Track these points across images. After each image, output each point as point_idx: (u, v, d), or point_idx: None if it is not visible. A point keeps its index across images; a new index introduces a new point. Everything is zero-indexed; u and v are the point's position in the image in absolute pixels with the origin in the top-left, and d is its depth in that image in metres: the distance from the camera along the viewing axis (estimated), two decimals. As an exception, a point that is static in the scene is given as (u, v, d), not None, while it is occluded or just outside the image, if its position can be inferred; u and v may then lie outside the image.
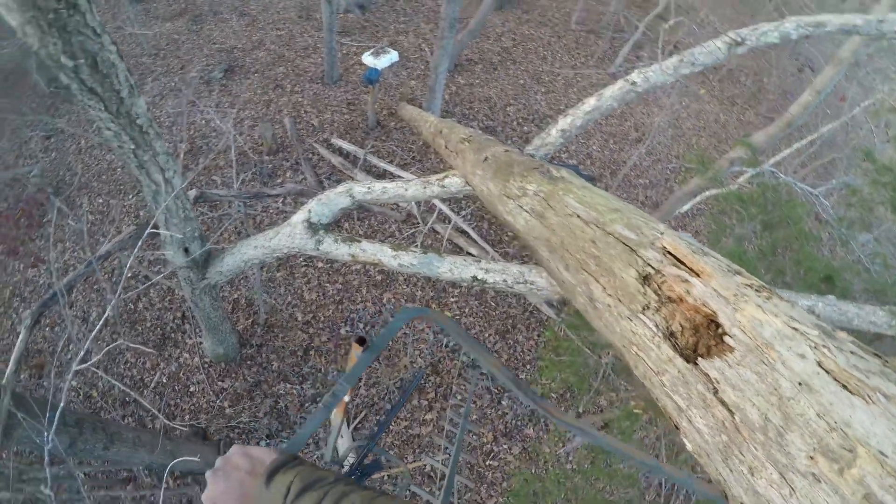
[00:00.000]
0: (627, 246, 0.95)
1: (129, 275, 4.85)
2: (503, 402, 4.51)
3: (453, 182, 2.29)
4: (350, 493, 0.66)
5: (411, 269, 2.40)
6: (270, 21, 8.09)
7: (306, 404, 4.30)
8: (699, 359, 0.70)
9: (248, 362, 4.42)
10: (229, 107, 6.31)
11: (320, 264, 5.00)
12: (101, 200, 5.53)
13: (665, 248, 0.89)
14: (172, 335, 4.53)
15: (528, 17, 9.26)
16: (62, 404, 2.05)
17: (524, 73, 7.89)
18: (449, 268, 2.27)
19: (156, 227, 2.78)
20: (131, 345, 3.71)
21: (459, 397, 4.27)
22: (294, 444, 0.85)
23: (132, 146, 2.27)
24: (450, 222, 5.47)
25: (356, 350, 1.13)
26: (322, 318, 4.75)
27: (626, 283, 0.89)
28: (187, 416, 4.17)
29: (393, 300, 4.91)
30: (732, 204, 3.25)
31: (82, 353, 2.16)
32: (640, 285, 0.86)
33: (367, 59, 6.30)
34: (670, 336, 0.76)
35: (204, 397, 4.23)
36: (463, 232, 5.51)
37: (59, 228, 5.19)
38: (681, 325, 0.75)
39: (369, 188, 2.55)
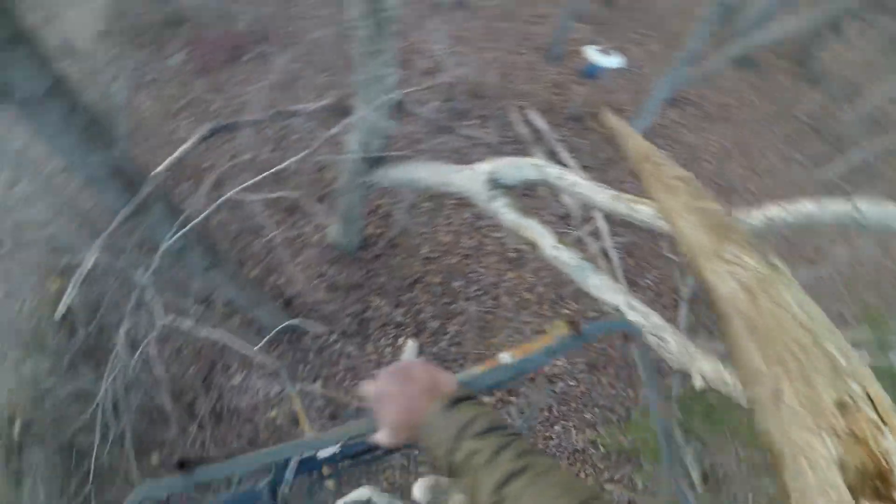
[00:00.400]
0: (836, 368, 0.99)
1: (296, 137, 5.09)
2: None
3: (644, 210, 2.11)
4: (534, 453, 0.63)
5: (563, 266, 2.28)
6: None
7: (388, 326, 4.30)
8: (862, 499, 0.71)
9: (359, 264, 4.47)
10: (448, 36, 6.39)
11: (467, 214, 4.93)
12: (297, 66, 5.80)
13: (867, 390, 0.92)
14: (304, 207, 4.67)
15: (759, 85, 8.46)
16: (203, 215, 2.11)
17: (733, 138, 7.24)
18: (598, 284, 2.16)
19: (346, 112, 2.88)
20: (271, 195, 3.87)
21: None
22: (473, 384, 0.82)
23: (369, 31, 2.25)
24: (598, 240, 5.22)
25: (559, 330, 1.01)
26: (443, 263, 4.69)
27: (820, 399, 0.93)
28: (281, 280, 4.33)
29: (515, 280, 4.74)
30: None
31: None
32: (835, 409, 0.89)
33: (592, 53, 6.14)
34: (841, 466, 0.79)
35: (304, 273, 4.35)
36: (606, 256, 5.16)
37: (252, 71, 5.53)
38: (855, 464, 0.77)
39: (562, 174, 2.42)
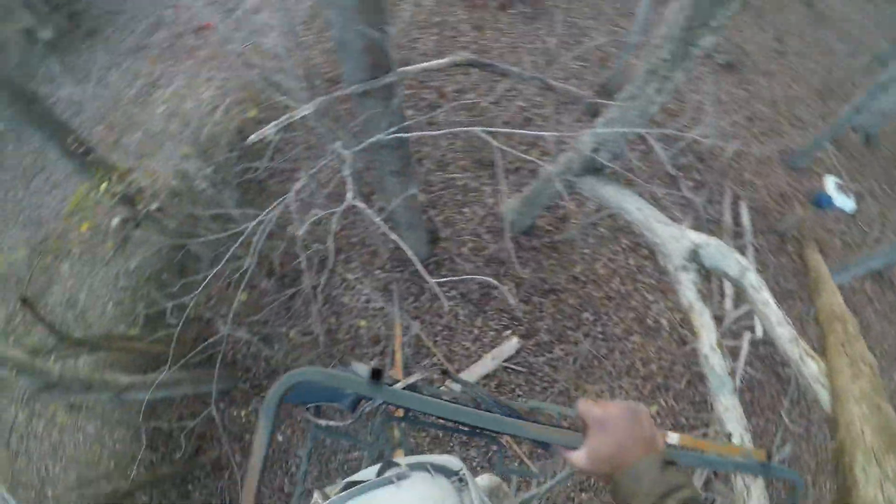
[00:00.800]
0: None
1: (533, 107, 4.95)
2: None
3: (812, 368, 2.09)
4: None
5: (708, 367, 2.29)
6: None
7: (505, 314, 4.13)
8: None
9: (514, 246, 4.33)
10: (707, 92, 5.98)
11: (632, 261, 4.61)
12: (556, 40, 5.65)
13: None
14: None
15: None
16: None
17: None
18: (729, 406, 2.19)
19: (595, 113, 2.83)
20: (495, 143, 3.79)
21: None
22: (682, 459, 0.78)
23: (669, 56, 2.16)
24: (733, 360, 4.74)
25: (755, 454, 0.93)
26: (586, 290, 4.44)
27: None
28: (440, 218, 4.29)
29: (637, 346, 4.36)
30: None
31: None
32: None
33: (831, 184, 5.61)
34: None
35: (462, 223, 4.28)
36: (731, 376, 4.64)
37: (514, 26, 5.44)
38: None
39: (759, 287, 2.35)
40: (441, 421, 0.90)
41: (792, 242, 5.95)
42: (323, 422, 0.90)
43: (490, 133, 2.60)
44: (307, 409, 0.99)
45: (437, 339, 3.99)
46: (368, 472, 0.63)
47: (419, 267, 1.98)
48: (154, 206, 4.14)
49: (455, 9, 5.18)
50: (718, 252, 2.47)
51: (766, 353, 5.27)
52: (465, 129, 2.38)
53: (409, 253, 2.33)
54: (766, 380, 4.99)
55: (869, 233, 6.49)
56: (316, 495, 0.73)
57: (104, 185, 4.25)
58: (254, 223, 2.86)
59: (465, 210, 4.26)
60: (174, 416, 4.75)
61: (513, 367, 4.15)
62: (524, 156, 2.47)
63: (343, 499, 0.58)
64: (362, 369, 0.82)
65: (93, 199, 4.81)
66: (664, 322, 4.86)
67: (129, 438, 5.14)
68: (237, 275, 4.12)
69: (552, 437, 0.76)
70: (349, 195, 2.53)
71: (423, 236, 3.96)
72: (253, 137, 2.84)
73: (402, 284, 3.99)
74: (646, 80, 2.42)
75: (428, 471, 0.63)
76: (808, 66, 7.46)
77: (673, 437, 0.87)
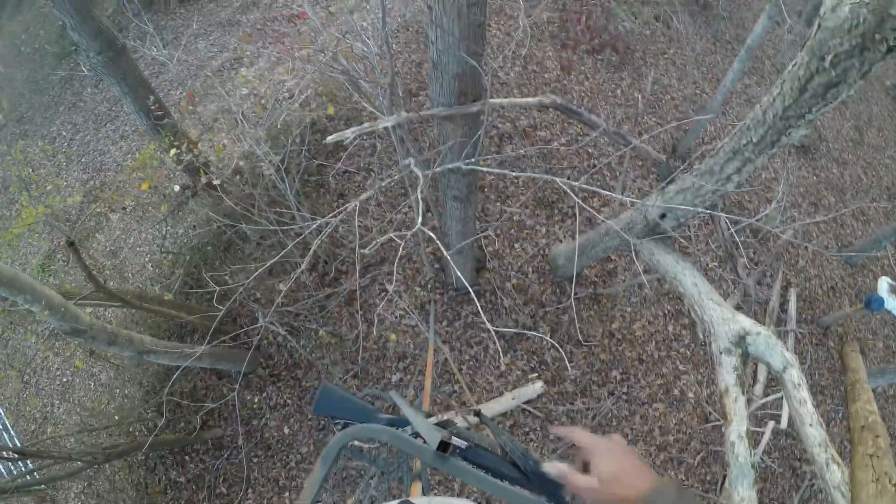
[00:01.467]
0: None
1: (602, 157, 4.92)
2: None
3: (836, 475, 2.06)
4: None
5: (731, 455, 2.28)
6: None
7: (535, 356, 4.07)
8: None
9: (556, 291, 4.27)
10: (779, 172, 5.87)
11: (671, 328, 4.50)
12: (657, 86, 5.55)
13: None
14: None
15: None
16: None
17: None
18: (746, 498, 2.19)
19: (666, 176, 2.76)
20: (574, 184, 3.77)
21: None
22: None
23: (760, 136, 2.11)
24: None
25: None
26: (619, 349, 4.34)
27: None
28: (489, 249, 4.26)
29: (658, 414, 4.24)
30: None
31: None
32: None
33: (884, 285, 5.39)
34: None
35: (509, 258, 4.26)
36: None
37: (598, 71, 5.42)
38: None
39: (800, 385, 2.33)
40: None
41: (834, 337, 5.78)
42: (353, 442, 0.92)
43: (569, 187, 2.58)
44: (335, 423, 1.00)
45: (463, 367, 3.94)
46: None
47: (481, 314, 1.94)
48: (216, 181, 4.22)
49: (545, 45, 5.21)
50: (766, 343, 2.44)
51: (786, 446, 5.08)
52: (546, 176, 2.35)
53: (461, 278, 2.30)
54: (781, 472, 4.86)
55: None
56: None
57: (174, 151, 4.35)
58: (314, 226, 2.87)
59: (516, 246, 4.24)
60: (188, 387, 4.79)
61: (531, 409, 4.06)
62: (597, 214, 2.42)
63: None
64: (409, 411, 0.85)
65: (158, 161, 4.95)
66: (691, 395, 4.72)
67: (139, 397, 5.20)
68: (280, 264, 4.16)
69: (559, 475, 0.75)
70: (418, 220, 2.53)
71: (471, 264, 3.94)
72: (330, 139, 2.86)
73: (439, 307, 3.97)
74: (728, 158, 2.38)
75: None
76: (882, 160, 7.26)
77: None
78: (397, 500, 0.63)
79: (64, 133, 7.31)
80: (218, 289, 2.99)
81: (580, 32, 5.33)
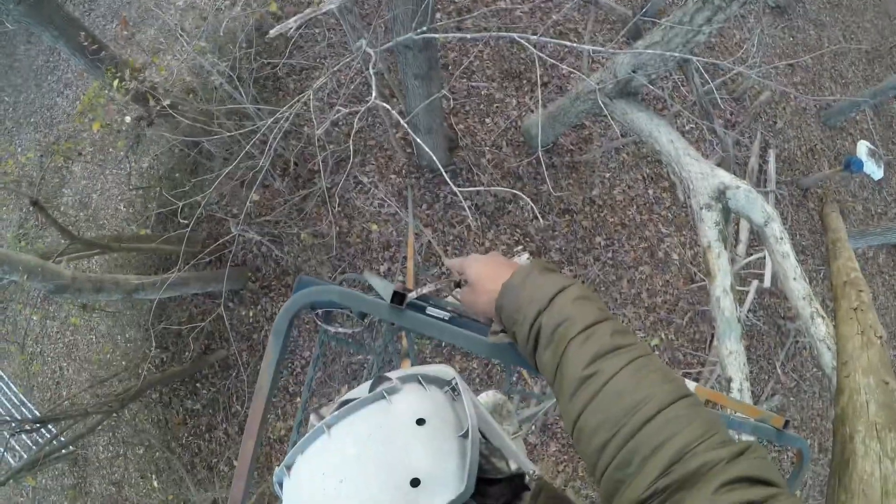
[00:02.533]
0: None
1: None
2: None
3: (821, 328, 2.10)
4: (631, 334, 0.58)
5: (716, 310, 2.30)
6: None
7: (517, 228, 4.09)
8: None
9: (533, 162, 4.21)
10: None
11: (652, 191, 4.52)
12: None
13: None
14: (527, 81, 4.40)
15: None
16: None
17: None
18: (733, 351, 2.23)
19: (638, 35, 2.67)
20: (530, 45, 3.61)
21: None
22: None
23: None
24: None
25: (773, 419, 1.04)
26: (601, 215, 4.37)
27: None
28: (460, 126, 4.18)
29: (645, 276, 4.34)
30: None
31: None
32: None
33: (863, 148, 5.43)
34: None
35: (482, 134, 4.18)
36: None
37: None
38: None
39: (782, 238, 2.31)
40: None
41: (814, 199, 5.83)
42: (332, 328, 0.90)
43: (526, 40, 2.46)
44: (316, 314, 0.98)
45: (448, 248, 3.96)
46: (362, 390, 0.61)
47: (445, 175, 1.89)
48: (167, 103, 4.04)
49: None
50: (746, 197, 2.44)
51: (771, 304, 5.26)
52: (503, 34, 2.24)
53: (433, 158, 2.25)
54: (767, 330, 5.02)
55: (893, 204, 6.33)
56: (312, 418, 0.72)
57: (116, 83, 4.14)
58: (270, 121, 2.77)
59: (487, 120, 4.14)
60: (184, 316, 4.83)
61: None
62: (562, 65, 2.34)
63: (336, 418, 0.55)
64: (378, 282, 0.82)
65: (105, 98, 4.71)
66: (675, 257, 4.81)
67: (141, 338, 5.26)
68: (251, 174, 4.07)
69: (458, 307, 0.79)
70: (373, 94, 2.42)
71: (443, 143, 3.87)
72: (273, 32, 2.69)
73: (416, 191, 3.93)
74: (698, 7, 2.30)
75: (419, 382, 0.61)
76: (861, 24, 7.04)
77: (690, 385, 0.83)
78: (372, 379, 0.61)
79: (6, 98, 6.94)
80: (181, 204, 2.92)
81: None
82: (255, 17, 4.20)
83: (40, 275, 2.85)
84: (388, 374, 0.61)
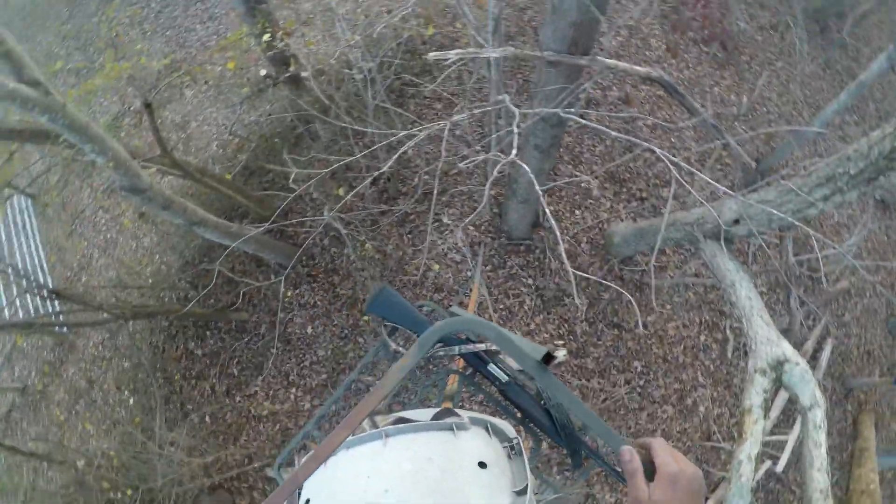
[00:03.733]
0: None
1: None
2: None
3: None
4: None
5: (734, 476, 2.30)
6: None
7: (566, 323, 4.06)
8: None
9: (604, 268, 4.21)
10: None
11: (704, 338, 4.42)
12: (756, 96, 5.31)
13: None
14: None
15: None
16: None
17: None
18: None
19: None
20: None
21: None
22: None
23: None
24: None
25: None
26: (648, 343, 4.29)
27: None
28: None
29: (666, 417, 4.21)
30: None
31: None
32: None
33: None
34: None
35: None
36: None
37: (707, 68, 5.19)
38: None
39: (818, 429, 2.32)
40: (499, 396, 0.89)
41: (854, 402, 5.64)
42: (394, 346, 0.92)
43: (666, 157, 2.51)
44: (384, 325, 1.00)
45: (496, 315, 3.97)
46: (421, 414, 0.62)
47: (524, 245, 1.91)
48: (305, 74, 4.23)
49: (654, 23, 5.00)
50: (802, 376, 2.43)
51: (774, 490, 5.04)
52: (648, 145, 2.30)
53: (519, 227, 2.27)
54: (781, 488, 4.87)
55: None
56: (366, 423, 0.73)
57: (267, 36, 4.37)
58: (405, 132, 2.86)
59: (577, 212, 4.18)
60: (226, 267, 4.93)
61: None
62: (695, 193, 2.36)
63: (397, 431, 0.57)
64: (472, 319, 0.81)
65: (247, 45, 4.98)
66: (702, 409, 4.68)
67: (177, 267, 5.40)
68: (344, 169, 4.19)
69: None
70: (514, 151, 2.50)
71: (529, 217, 3.92)
72: (434, 55, 2.82)
73: (487, 250, 3.98)
74: (819, 182, 2.34)
75: (487, 430, 0.62)
76: None
77: None
78: (438, 409, 0.64)
79: (153, 5, 7.40)
80: (295, 171, 3.03)
81: (693, 18, 5.09)
82: (409, 32, 4.40)
83: (124, 169, 2.89)
84: (458, 412, 0.63)
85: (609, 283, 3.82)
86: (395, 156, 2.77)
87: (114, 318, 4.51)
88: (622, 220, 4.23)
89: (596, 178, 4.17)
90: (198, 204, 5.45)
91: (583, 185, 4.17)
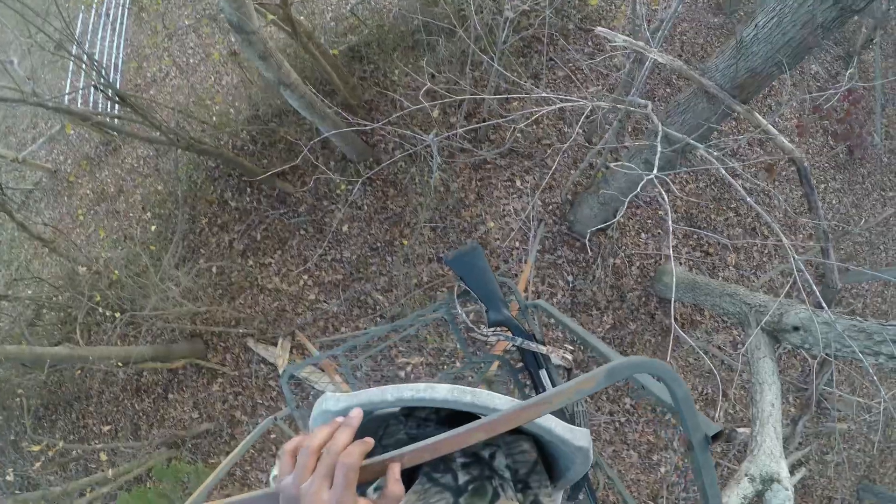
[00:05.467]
0: None
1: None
2: None
3: None
4: None
5: None
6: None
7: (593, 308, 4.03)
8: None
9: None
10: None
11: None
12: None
13: None
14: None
15: None
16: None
17: None
18: None
19: None
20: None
21: None
22: None
23: None
24: None
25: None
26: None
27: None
28: None
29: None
30: None
31: None
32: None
33: None
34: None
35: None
36: None
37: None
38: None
39: None
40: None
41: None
42: (462, 313, 0.96)
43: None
44: (460, 286, 0.96)
45: (523, 294, 3.94)
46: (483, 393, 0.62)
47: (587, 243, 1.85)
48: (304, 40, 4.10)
49: (796, 92, 4.79)
50: (783, 501, 2.43)
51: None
52: (755, 205, 2.20)
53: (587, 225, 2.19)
54: None
55: None
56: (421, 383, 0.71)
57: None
58: (539, 94, 2.77)
59: (643, 235, 4.09)
60: (294, 135, 4.89)
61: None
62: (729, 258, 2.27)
63: (468, 393, 0.59)
64: (664, 366, 0.74)
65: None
66: (662, 470, 4.67)
67: (245, 117, 5.36)
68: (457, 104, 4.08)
69: None
70: (654, 171, 2.42)
71: (599, 219, 3.84)
72: (603, 30, 2.71)
73: (545, 230, 3.92)
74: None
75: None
76: None
77: None
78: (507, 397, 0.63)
79: None
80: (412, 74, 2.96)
81: (836, 108, 4.86)
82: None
83: (238, 3, 2.83)
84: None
85: (640, 316, 3.77)
86: (527, 112, 2.70)
87: (167, 142, 4.54)
88: (680, 264, 4.13)
89: (676, 212, 4.06)
90: (292, 66, 5.41)
91: (660, 212, 4.06)
